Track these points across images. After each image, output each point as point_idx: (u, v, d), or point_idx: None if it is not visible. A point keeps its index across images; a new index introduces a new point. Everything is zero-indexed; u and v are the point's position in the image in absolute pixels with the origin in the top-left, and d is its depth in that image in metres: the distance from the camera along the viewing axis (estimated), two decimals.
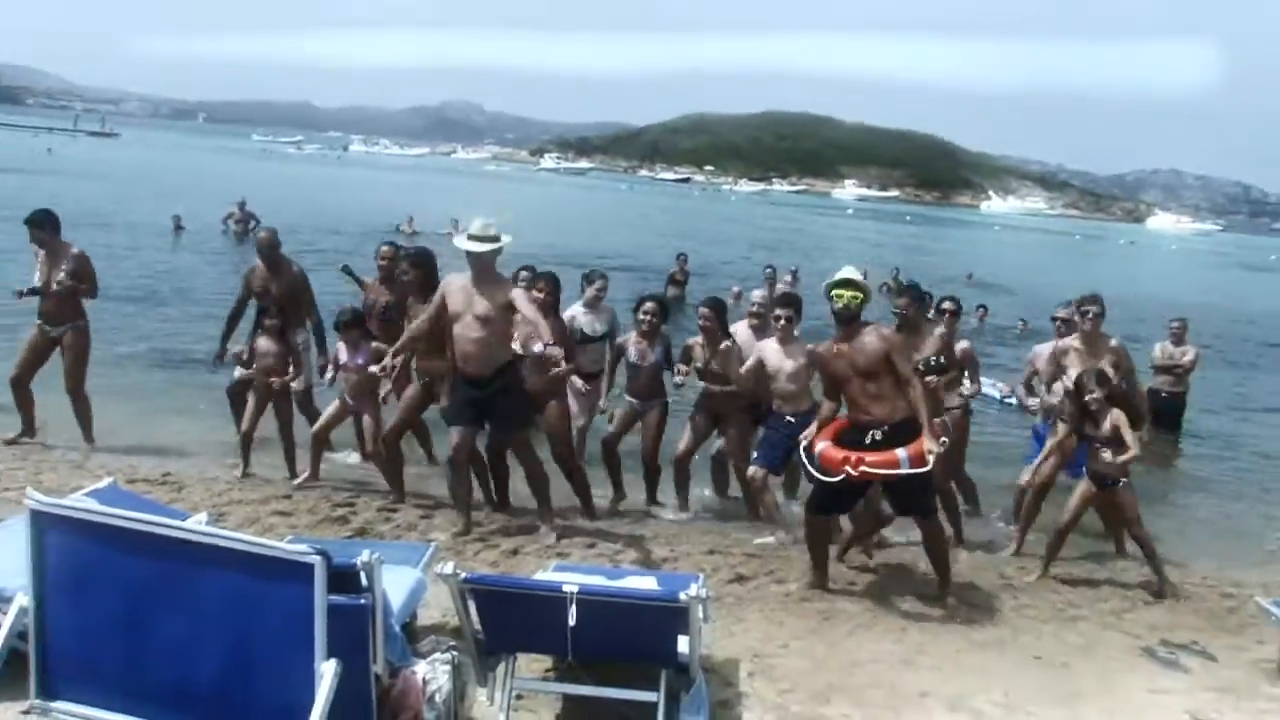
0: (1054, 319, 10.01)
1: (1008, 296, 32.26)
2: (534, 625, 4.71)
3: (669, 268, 24.65)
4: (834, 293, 7.13)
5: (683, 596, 4.51)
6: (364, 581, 4.15)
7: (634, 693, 4.85)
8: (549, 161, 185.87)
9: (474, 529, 8.23)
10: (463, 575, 4.63)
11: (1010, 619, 7.32)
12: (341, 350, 9.24)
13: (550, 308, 8.78)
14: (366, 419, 9.19)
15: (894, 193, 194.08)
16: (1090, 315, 8.79)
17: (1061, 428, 8.56)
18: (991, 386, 14.13)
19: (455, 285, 7.98)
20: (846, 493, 7.32)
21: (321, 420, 9.35)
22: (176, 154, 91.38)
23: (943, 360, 8.45)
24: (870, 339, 7.09)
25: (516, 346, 8.27)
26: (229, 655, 3.70)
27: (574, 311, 9.53)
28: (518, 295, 7.95)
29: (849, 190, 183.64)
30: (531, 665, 5.43)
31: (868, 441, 7.03)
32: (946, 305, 9.41)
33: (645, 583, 5.55)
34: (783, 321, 8.73)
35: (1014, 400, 12.11)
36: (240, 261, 22.72)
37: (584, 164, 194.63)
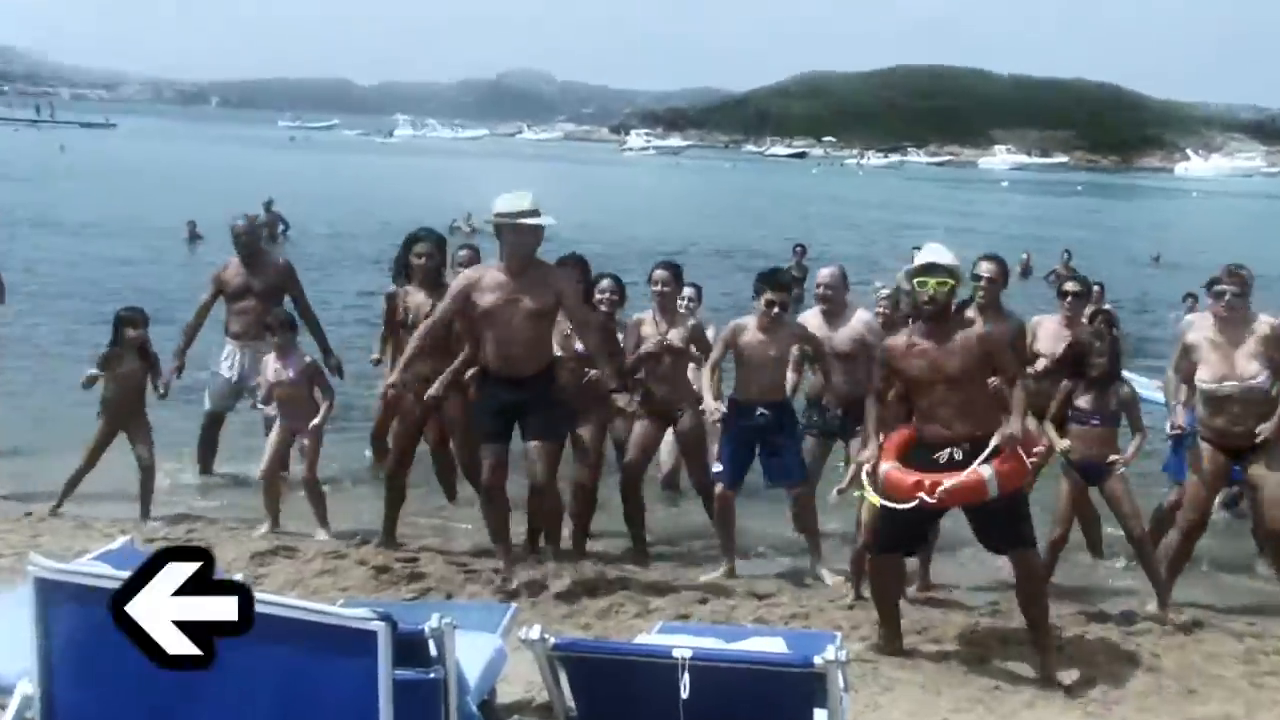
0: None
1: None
2: (639, 698, 4.70)
3: (785, 261, 24.61)
4: (917, 281, 6.97)
5: (818, 661, 4.48)
6: (433, 651, 4.19)
7: None
8: (637, 139, 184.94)
9: (557, 583, 8.30)
10: (552, 641, 4.66)
11: (1239, 687, 7.09)
12: (270, 362, 9.49)
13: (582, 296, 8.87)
14: (307, 440, 9.48)
15: (1061, 159, 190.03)
16: (1227, 297, 8.10)
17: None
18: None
19: (487, 280, 8.05)
20: (917, 523, 7.18)
21: (268, 456, 9.58)
22: (189, 146, 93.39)
23: None
24: (967, 338, 6.97)
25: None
26: None
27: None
28: (569, 289, 8.14)
29: (1001, 158, 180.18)
30: None
31: (942, 461, 6.90)
32: (1069, 287, 9.57)
33: (771, 645, 5.53)
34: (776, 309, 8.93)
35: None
36: None
37: (677, 141, 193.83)
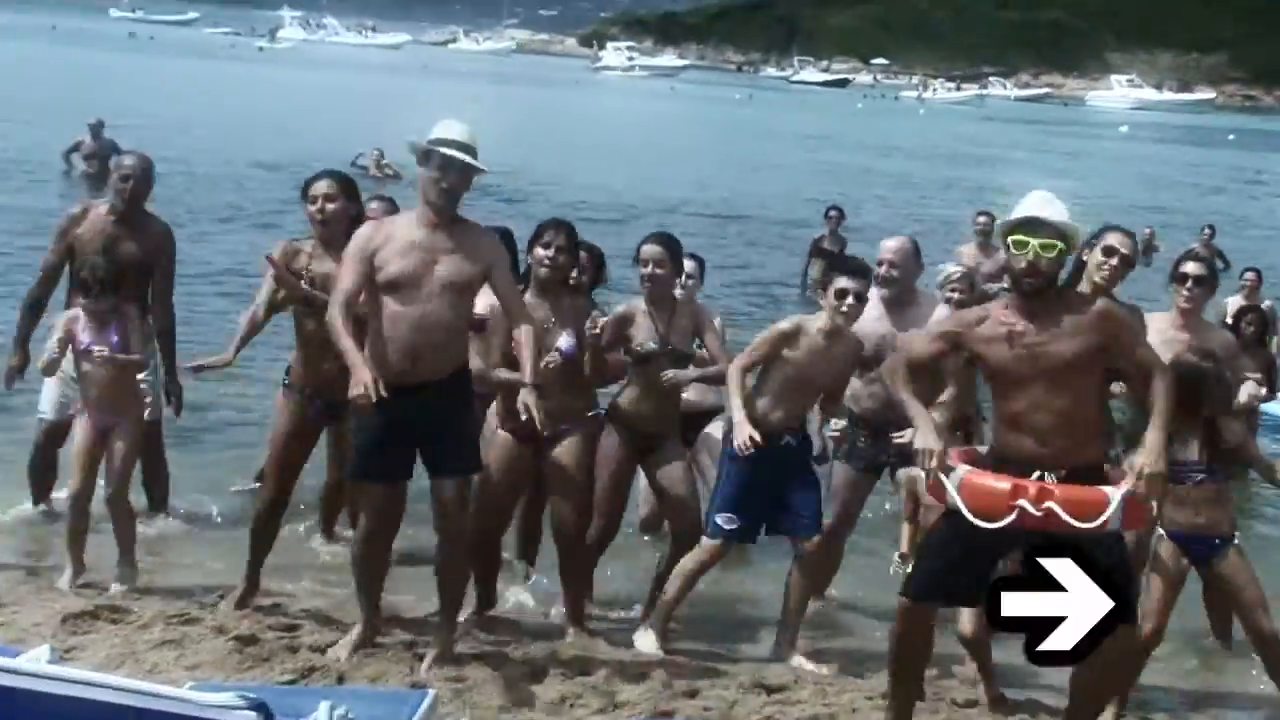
0: None
1: None
2: None
3: (814, 230, 24.67)
4: (1014, 240, 6.78)
5: None
6: None
7: None
8: (616, 55, 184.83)
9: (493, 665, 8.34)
10: None
11: None
12: (81, 325, 9.24)
13: (569, 273, 8.97)
14: (119, 441, 9.30)
15: (1204, 94, 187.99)
16: None
17: None
18: None
19: (397, 235, 7.85)
20: (989, 558, 6.90)
21: (76, 470, 9.37)
22: None
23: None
24: (1080, 319, 6.81)
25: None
26: None
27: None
28: (501, 259, 8.08)
29: (1120, 93, 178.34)
30: None
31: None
32: (1189, 268, 9.40)
33: None
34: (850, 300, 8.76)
35: None
36: None
37: (672, 59, 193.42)
